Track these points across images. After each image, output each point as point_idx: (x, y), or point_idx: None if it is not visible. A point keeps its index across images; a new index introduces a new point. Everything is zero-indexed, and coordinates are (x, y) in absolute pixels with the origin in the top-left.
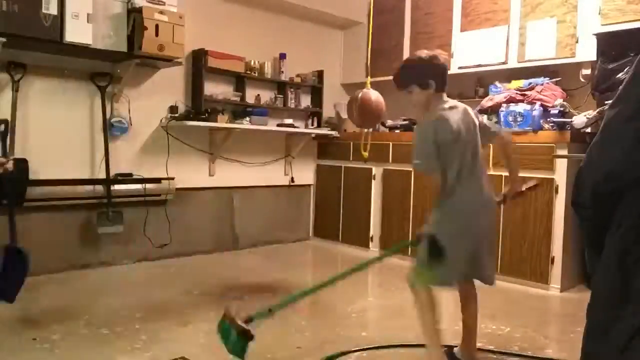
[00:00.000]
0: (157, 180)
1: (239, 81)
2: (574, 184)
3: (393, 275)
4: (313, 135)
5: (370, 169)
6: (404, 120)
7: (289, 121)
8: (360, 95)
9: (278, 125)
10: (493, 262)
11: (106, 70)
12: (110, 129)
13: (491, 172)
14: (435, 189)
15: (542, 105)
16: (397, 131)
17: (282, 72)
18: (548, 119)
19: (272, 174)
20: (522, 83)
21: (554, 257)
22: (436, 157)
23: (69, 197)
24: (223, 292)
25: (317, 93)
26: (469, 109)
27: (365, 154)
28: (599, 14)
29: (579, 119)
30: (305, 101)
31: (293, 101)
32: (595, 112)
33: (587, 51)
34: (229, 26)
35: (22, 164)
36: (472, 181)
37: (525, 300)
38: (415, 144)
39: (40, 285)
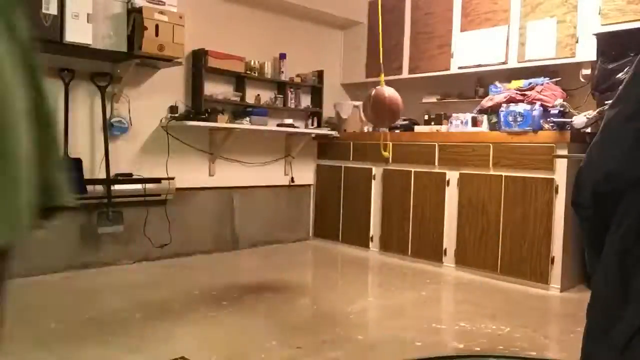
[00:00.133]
0: (157, 180)
1: (239, 81)
2: (574, 184)
3: (393, 275)
4: (313, 135)
5: (370, 169)
6: (404, 120)
7: (289, 121)
8: (373, 93)
9: (278, 125)
10: None
11: (106, 70)
12: (110, 129)
13: (491, 172)
14: None
15: (542, 105)
16: (397, 131)
17: (282, 72)
18: (548, 119)
19: (272, 174)
20: (522, 83)
21: (554, 257)
22: None
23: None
24: (223, 292)
25: (317, 93)
26: None
27: (386, 154)
28: (599, 14)
29: (579, 119)
30: (305, 101)
31: (293, 101)
32: (595, 112)
33: (587, 51)
34: (229, 26)
35: None
36: None
37: (525, 300)
38: None
39: (40, 285)
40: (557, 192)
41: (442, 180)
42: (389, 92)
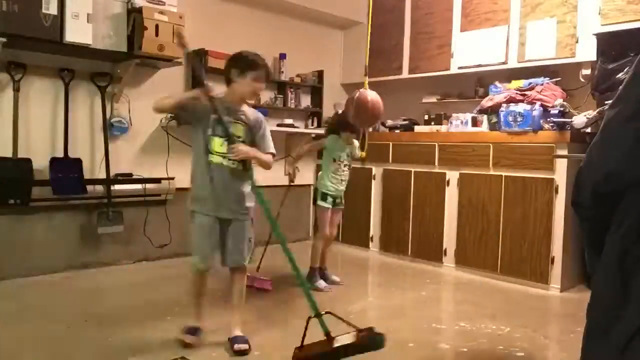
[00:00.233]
0: (157, 180)
1: None
2: (574, 184)
3: (393, 275)
4: (313, 135)
5: (370, 169)
6: (404, 120)
7: (289, 121)
8: (357, 95)
9: (278, 125)
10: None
11: (106, 70)
12: (110, 129)
13: (491, 172)
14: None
15: (542, 105)
16: (397, 131)
17: (282, 72)
18: (548, 119)
19: (272, 174)
20: (522, 83)
21: (554, 257)
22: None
23: (69, 197)
24: (223, 293)
25: (317, 93)
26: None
27: (363, 154)
28: (599, 14)
29: (579, 119)
30: (305, 101)
31: (293, 101)
32: (595, 112)
33: (587, 51)
34: (229, 26)
35: (26, 164)
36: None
37: (525, 300)
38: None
39: (40, 285)
40: (557, 192)
41: (442, 180)
42: (372, 96)
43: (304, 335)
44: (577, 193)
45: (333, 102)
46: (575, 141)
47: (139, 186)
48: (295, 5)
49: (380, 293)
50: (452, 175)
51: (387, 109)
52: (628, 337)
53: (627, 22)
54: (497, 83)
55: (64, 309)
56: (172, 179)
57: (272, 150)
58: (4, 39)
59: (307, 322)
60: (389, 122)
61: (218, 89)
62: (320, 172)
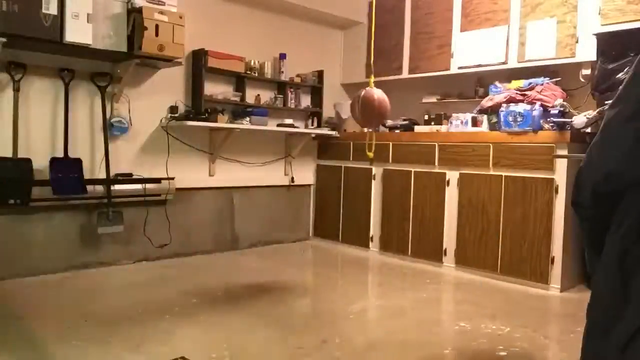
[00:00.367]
0: (157, 180)
1: (239, 81)
2: (574, 184)
3: (393, 275)
4: (313, 135)
5: (370, 169)
6: (404, 120)
7: (289, 121)
8: (362, 94)
9: (278, 125)
10: None
11: (106, 70)
12: (110, 129)
13: (491, 172)
14: None
15: (542, 105)
16: (397, 131)
17: (282, 72)
18: (548, 119)
19: (272, 174)
20: (522, 83)
21: (554, 257)
22: None
23: (69, 197)
24: (223, 292)
25: (317, 93)
26: None
27: (370, 154)
28: (599, 14)
29: (579, 119)
30: (305, 101)
31: (293, 101)
32: (595, 112)
33: (587, 51)
34: (229, 26)
35: (26, 164)
36: None
37: (525, 300)
38: None
39: (40, 285)
40: (557, 192)
41: (442, 180)
42: (378, 94)
43: None
44: (577, 193)
45: (333, 102)
46: (575, 141)
47: (139, 186)
48: (295, 5)
49: (380, 293)
50: (452, 175)
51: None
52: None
53: (627, 22)
54: (497, 83)
55: (64, 309)
56: (172, 179)
57: None
58: (4, 39)
59: None
60: (389, 122)
61: (218, 89)
62: None
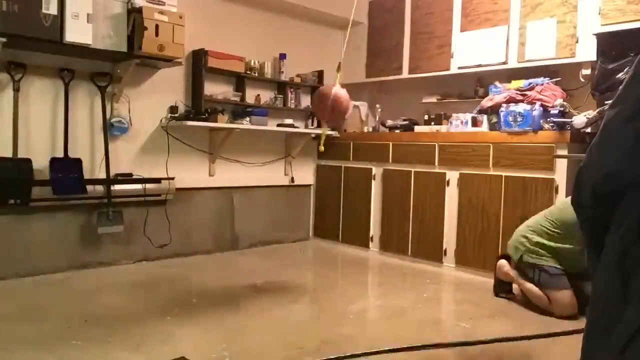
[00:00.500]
0: (157, 180)
1: (239, 81)
2: (574, 184)
3: (393, 275)
4: (313, 135)
5: (370, 169)
6: (404, 120)
7: (289, 121)
8: (321, 87)
9: (278, 125)
10: None
11: (106, 70)
12: (110, 129)
13: (491, 172)
14: None
15: (542, 105)
16: (397, 131)
17: (282, 72)
18: (548, 119)
19: (272, 174)
20: (522, 83)
21: None
22: None
23: (69, 197)
24: (223, 292)
25: None
26: None
27: (322, 148)
28: (599, 14)
29: (579, 119)
30: (305, 101)
31: (293, 101)
32: (595, 112)
33: (587, 51)
34: (229, 26)
35: (26, 164)
36: None
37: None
38: None
39: (40, 285)
40: (557, 192)
41: (442, 180)
42: (336, 90)
43: None
44: (576, 193)
45: None
46: (575, 141)
47: (139, 186)
48: (295, 5)
49: (380, 293)
50: (452, 175)
51: (387, 109)
52: (628, 337)
53: (627, 22)
54: (497, 83)
55: (64, 309)
56: (172, 179)
57: None
58: (4, 39)
59: None
60: (389, 122)
61: (218, 89)
62: None
